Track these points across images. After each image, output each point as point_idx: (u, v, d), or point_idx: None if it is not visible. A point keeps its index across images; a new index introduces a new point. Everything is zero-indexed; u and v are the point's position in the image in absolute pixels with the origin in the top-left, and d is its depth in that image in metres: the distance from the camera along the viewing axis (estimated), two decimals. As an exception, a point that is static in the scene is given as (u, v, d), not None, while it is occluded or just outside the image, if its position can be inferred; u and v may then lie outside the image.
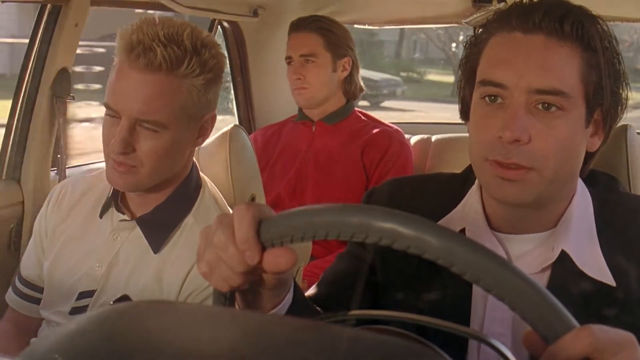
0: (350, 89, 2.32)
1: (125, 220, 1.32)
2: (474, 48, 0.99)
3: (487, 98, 0.94)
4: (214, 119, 1.32)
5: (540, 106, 0.91)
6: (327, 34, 2.28)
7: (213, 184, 1.41)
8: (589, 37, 0.92)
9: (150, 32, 1.19)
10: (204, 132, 1.31)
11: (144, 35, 1.19)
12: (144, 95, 1.19)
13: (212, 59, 1.24)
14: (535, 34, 0.92)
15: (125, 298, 1.27)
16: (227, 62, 2.77)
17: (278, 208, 2.24)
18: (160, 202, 1.31)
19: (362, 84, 2.38)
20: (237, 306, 0.77)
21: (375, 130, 2.29)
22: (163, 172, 1.27)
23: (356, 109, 2.39)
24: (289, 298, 0.80)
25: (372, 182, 2.21)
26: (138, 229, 1.31)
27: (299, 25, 2.32)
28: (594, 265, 0.94)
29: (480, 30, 0.99)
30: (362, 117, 2.35)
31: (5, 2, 1.80)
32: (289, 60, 2.32)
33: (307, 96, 2.28)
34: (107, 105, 1.23)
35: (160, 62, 1.18)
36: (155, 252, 1.28)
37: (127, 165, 1.23)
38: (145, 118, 1.20)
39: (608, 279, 0.93)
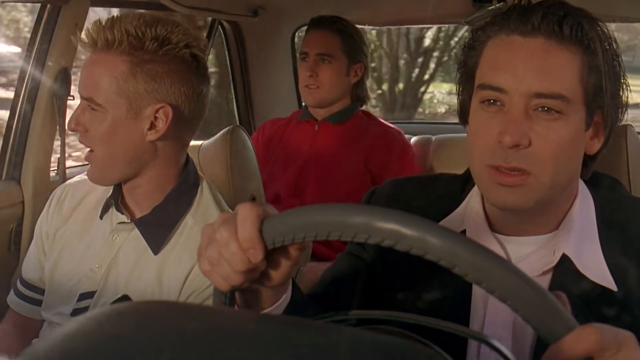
0: (360, 94, 2.33)
1: (124, 222, 1.32)
2: (472, 51, 0.98)
3: (486, 102, 0.93)
4: (167, 112, 1.25)
5: (539, 110, 0.90)
6: (346, 37, 2.27)
7: (211, 183, 1.40)
8: (589, 39, 0.91)
9: (104, 21, 1.24)
10: (156, 127, 1.25)
11: (95, 24, 1.24)
12: (86, 74, 1.26)
13: (152, 43, 1.22)
14: (534, 36, 0.91)
15: (125, 298, 1.27)
16: (227, 62, 2.79)
17: (278, 204, 2.25)
18: (158, 202, 1.31)
19: (368, 90, 2.39)
20: (236, 306, 0.77)
21: (379, 131, 2.29)
22: (118, 161, 1.27)
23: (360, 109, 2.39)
24: (287, 296, 0.80)
25: (379, 182, 2.20)
26: (137, 230, 1.31)
27: (320, 23, 2.30)
28: (595, 268, 0.93)
29: (478, 32, 0.99)
30: (366, 118, 2.36)
31: (5, 2, 1.80)
32: (304, 56, 2.31)
33: (317, 96, 2.28)
34: None
35: (95, 40, 1.23)
36: (155, 253, 1.28)
37: (90, 153, 1.27)
38: (85, 96, 1.25)
39: (609, 282, 0.92)
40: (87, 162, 1.30)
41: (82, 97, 1.26)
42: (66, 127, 1.32)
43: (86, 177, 1.44)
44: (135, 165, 1.28)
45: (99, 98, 1.23)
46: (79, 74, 1.31)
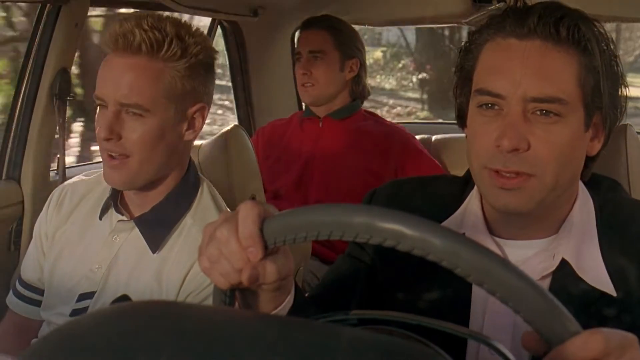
0: (357, 90, 2.34)
1: (123, 220, 1.32)
2: (469, 54, 0.97)
3: (483, 106, 0.93)
4: (203, 112, 1.30)
5: (538, 113, 0.90)
6: (337, 33, 2.29)
7: (211, 184, 1.40)
8: (586, 40, 0.90)
9: (134, 21, 1.22)
10: (193, 125, 1.30)
11: (127, 24, 1.21)
12: (126, 79, 1.21)
13: (195, 45, 1.25)
14: (530, 39, 0.90)
15: (124, 298, 1.27)
16: (227, 61, 2.79)
17: (280, 200, 2.25)
18: (158, 201, 1.31)
19: (368, 86, 2.40)
20: (237, 306, 0.77)
21: (383, 128, 2.30)
22: (154, 164, 1.26)
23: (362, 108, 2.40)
24: (289, 300, 0.80)
25: (391, 177, 2.20)
26: (137, 230, 1.31)
27: (310, 23, 2.34)
28: (594, 273, 0.93)
29: (474, 35, 0.98)
30: (368, 115, 2.37)
31: (5, 2, 1.80)
32: (298, 56, 2.33)
33: (312, 93, 2.30)
34: (95, 97, 1.25)
35: (140, 44, 1.20)
36: (153, 252, 1.28)
37: (118, 157, 1.23)
38: (129, 102, 1.21)
39: (608, 287, 0.92)
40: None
41: (120, 104, 1.21)
42: (102, 136, 1.21)
43: (85, 177, 1.44)
44: (166, 166, 1.29)
45: (147, 103, 1.21)
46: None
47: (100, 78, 1.24)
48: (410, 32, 9.04)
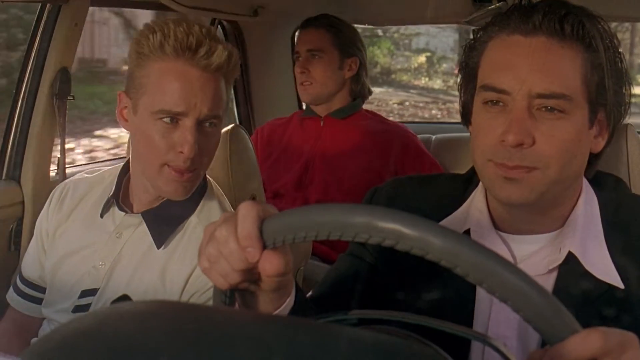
0: (356, 89, 2.34)
1: (130, 214, 1.32)
2: (474, 51, 0.98)
3: (489, 103, 0.93)
4: None
5: (543, 109, 0.90)
6: (336, 31, 2.29)
7: (217, 185, 1.41)
8: (590, 37, 0.91)
9: (197, 31, 1.21)
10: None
11: (199, 35, 1.20)
12: (211, 93, 1.22)
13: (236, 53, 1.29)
14: (535, 36, 0.91)
15: (125, 298, 1.28)
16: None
17: (281, 199, 2.25)
18: (164, 199, 1.31)
19: (369, 85, 2.39)
20: (237, 306, 0.77)
21: (384, 127, 2.30)
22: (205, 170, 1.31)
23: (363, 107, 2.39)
24: (290, 301, 0.80)
25: (391, 176, 2.20)
26: (142, 227, 1.31)
27: (308, 22, 2.34)
28: (601, 266, 0.93)
29: (479, 32, 0.98)
30: (369, 115, 2.37)
31: (5, 2, 1.80)
32: (297, 55, 2.34)
33: (311, 91, 2.29)
34: (166, 111, 1.20)
35: (222, 61, 1.22)
36: (158, 247, 1.29)
37: (191, 172, 1.24)
38: (212, 113, 1.23)
39: (615, 280, 0.92)
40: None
41: (205, 115, 1.21)
42: (193, 154, 1.22)
43: (87, 175, 1.44)
44: None
45: (222, 112, 1.25)
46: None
47: (178, 92, 1.20)
48: (452, 38, 9.67)
